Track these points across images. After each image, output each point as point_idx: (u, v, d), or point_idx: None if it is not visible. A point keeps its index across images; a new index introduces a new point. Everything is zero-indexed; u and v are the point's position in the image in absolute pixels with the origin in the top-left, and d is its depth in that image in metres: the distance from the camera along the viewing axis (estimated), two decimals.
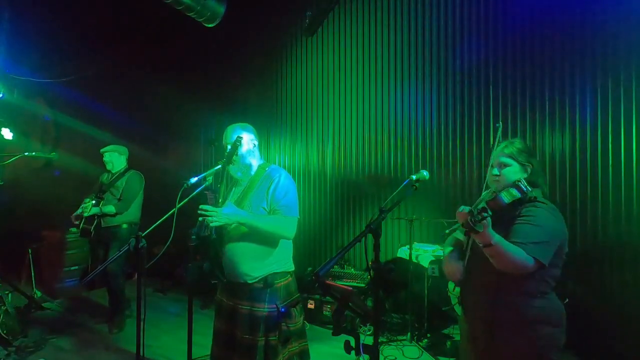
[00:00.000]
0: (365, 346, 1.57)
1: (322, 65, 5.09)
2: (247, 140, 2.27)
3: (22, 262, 5.12)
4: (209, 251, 2.23)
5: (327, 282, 1.69)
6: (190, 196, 2.16)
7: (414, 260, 3.83)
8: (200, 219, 2.04)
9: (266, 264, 2.17)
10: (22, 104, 6.69)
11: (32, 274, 4.89)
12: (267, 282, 2.15)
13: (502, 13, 3.90)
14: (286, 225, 2.17)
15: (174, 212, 2.12)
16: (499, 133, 1.79)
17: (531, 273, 1.65)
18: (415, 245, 3.93)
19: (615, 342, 3.25)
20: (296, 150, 5.31)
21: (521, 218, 1.71)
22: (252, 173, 2.28)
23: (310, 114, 5.19)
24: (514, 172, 1.81)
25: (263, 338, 2.11)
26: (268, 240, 2.18)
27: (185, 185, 2.13)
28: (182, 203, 2.11)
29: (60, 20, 5.73)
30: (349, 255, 4.60)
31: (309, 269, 4.75)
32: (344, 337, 1.59)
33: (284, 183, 2.20)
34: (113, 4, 5.61)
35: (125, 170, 4.27)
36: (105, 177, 4.31)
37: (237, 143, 2.18)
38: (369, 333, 3.71)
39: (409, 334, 3.71)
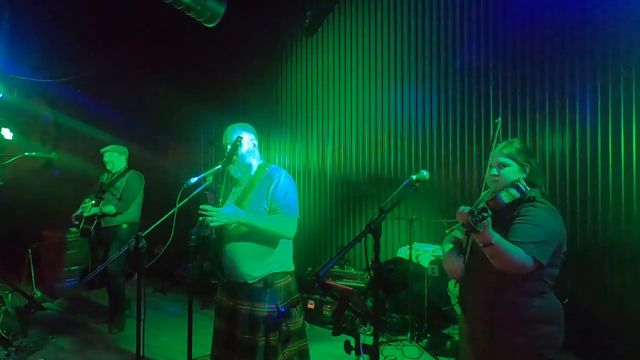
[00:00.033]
0: (365, 346, 1.57)
1: (322, 65, 5.09)
2: (247, 140, 2.27)
3: (22, 262, 5.12)
4: (209, 251, 2.23)
5: (327, 282, 1.69)
6: (190, 196, 2.17)
7: (414, 260, 3.83)
8: (200, 218, 2.04)
9: (266, 264, 2.17)
10: (22, 104, 6.68)
11: (32, 274, 4.88)
12: (267, 282, 2.15)
13: (502, 13, 3.91)
14: (286, 225, 2.17)
15: (174, 212, 2.12)
16: (499, 128, 1.79)
17: (530, 273, 1.66)
18: (415, 245, 3.93)
19: (615, 342, 3.24)
20: (296, 150, 5.31)
21: (520, 218, 1.71)
22: (252, 173, 2.28)
23: (310, 114, 5.19)
24: (513, 172, 1.82)
25: (263, 338, 2.11)
26: (268, 240, 2.18)
27: (185, 185, 2.13)
28: (182, 203, 2.11)
29: (60, 20, 5.72)
30: (349, 255, 4.60)
31: (309, 269, 4.74)
32: (344, 337, 1.59)
33: (284, 183, 2.20)
34: (113, 4, 5.61)
35: (125, 170, 4.27)
36: (105, 177, 4.31)
37: (237, 143, 2.18)
38: (369, 333, 3.71)
39: (409, 334, 3.71)
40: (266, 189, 2.18)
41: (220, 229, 2.16)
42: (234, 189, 2.32)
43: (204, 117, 5.98)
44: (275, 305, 2.13)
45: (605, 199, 3.41)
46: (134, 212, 4.21)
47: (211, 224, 2.04)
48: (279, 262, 2.22)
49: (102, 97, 6.37)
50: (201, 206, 2.04)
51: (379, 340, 2.20)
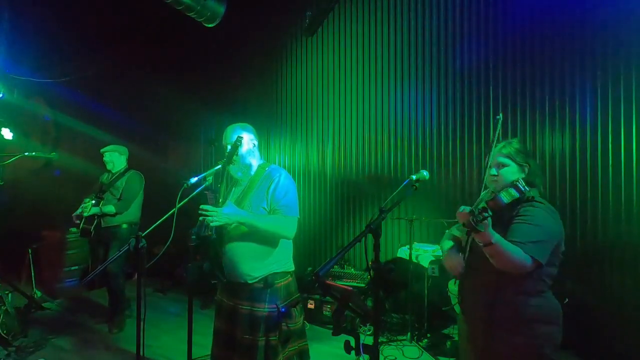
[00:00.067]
0: (365, 346, 1.57)
1: (322, 65, 5.09)
2: (247, 140, 2.27)
3: (22, 262, 5.12)
4: (209, 251, 2.23)
5: (327, 282, 1.69)
6: (190, 196, 2.17)
7: (414, 260, 3.83)
8: (200, 218, 2.04)
9: (266, 264, 2.17)
10: (22, 104, 6.68)
11: (32, 274, 4.88)
12: (267, 282, 2.15)
13: (502, 13, 3.91)
14: (286, 225, 2.17)
15: (174, 212, 2.12)
16: (499, 125, 1.78)
17: (529, 272, 1.67)
18: (415, 245, 3.93)
19: (615, 342, 3.25)
20: (296, 150, 5.31)
21: (519, 218, 1.72)
22: (252, 173, 2.28)
23: (310, 114, 5.19)
24: (512, 172, 1.83)
25: (263, 338, 2.11)
26: (268, 240, 2.18)
27: (185, 185, 2.13)
28: (182, 203, 2.11)
29: (60, 20, 5.72)
30: (349, 255, 4.60)
31: (309, 269, 4.75)
32: (344, 337, 1.59)
33: (284, 183, 2.20)
34: (113, 4, 5.61)
35: (125, 170, 4.27)
36: (105, 177, 4.31)
37: (237, 143, 2.18)
38: (369, 333, 3.71)
39: (409, 334, 3.71)
40: (266, 189, 2.18)
41: (220, 229, 2.15)
42: (234, 189, 2.32)
43: (204, 117, 5.98)
44: (275, 305, 2.13)
45: (605, 199, 3.41)
46: (134, 212, 4.21)
47: (211, 224, 2.04)
48: (279, 262, 2.22)
49: (102, 97, 6.37)
50: (201, 206, 2.04)
51: (379, 340, 2.20)
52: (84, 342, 3.83)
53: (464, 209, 1.66)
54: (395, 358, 3.44)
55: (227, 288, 2.25)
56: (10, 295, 3.81)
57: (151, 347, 3.59)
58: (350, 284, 4.12)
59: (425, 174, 1.94)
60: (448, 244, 2.02)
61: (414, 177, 1.91)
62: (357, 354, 1.56)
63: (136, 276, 3.93)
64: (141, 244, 2.08)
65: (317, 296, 4.15)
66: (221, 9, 4.86)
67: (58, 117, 7.07)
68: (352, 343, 1.57)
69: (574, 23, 3.55)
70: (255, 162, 2.30)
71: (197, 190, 2.18)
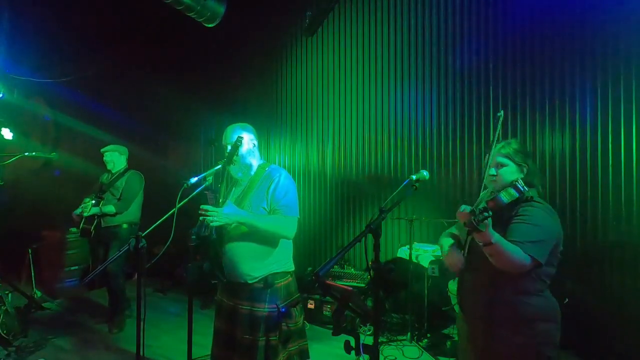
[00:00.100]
0: (365, 346, 1.57)
1: (322, 65, 5.09)
2: (247, 140, 2.27)
3: (22, 262, 5.12)
4: (209, 251, 2.23)
5: (327, 282, 1.69)
6: (190, 196, 2.16)
7: (414, 260, 3.83)
8: (200, 218, 2.04)
9: (266, 264, 2.17)
10: (22, 104, 6.69)
11: (32, 274, 4.89)
12: (267, 282, 2.15)
13: (502, 13, 3.91)
14: (286, 224, 2.17)
15: (174, 212, 2.12)
16: (500, 122, 1.79)
17: (528, 271, 1.68)
18: (415, 245, 3.93)
19: (615, 342, 3.25)
20: (296, 150, 5.31)
21: (518, 217, 1.73)
22: (252, 173, 2.28)
23: (310, 114, 5.19)
24: (511, 172, 1.84)
25: (263, 338, 2.11)
26: (268, 240, 2.18)
27: (185, 185, 2.13)
28: (182, 203, 2.11)
29: (60, 20, 5.73)
30: (349, 255, 4.60)
31: (309, 269, 4.75)
32: (344, 337, 1.59)
33: (284, 183, 2.20)
34: (113, 4, 5.61)
35: (125, 170, 4.27)
36: (105, 177, 4.31)
37: (237, 143, 2.18)
38: (369, 333, 3.71)
39: (409, 334, 3.71)
40: (266, 189, 2.18)
41: (220, 229, 2.16)
42: (234, 189, 2.32)
43: (204, 117, 5.98)
44: (275, 305, 2.13)
45: (605, 199, 3.41)
46: (134, 211, 4.21)
47: (211, 224, 2.04)
48: (279, 262, 2.22)
49: (102, 97, 6.37)
50: (201, 206, 2.04)
51: (379, 340, 2.20)
52: (84, 342, 3.83)
53: (465, 208, 1.66)
54: (395, 358, 3.44)
55: (227, 288, 2.25)
56: (10, 295, 3.81)
57: (151, 347, 3.59)
58: (350, 284, 4.12)
59: (425, 174, 1.94)
60: (448, 241, 2.02)
61: (414, 177, 1.92)
62: (357, 354, 1.56)
63: (136, 276, 3.93)
64: (141, 244, 2.08)
65: (317, 296, 4.15)
66: (221, 9, 4.86)
67: (58, 117, 7.08)
68: (352, 343, 1.57)
69: (574, 23, 3.55)
70: (255, 162, 2.30)
71: (197, 190, 2.18)
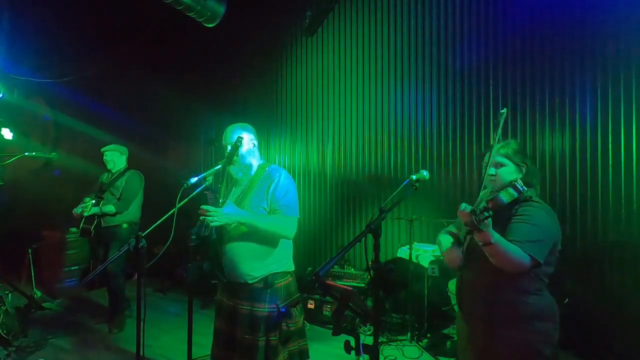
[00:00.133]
0: (365, 346, 1.57)
1: (322, 65, 5.09)
2: (247, 140, 2.27)
3: (22, 262, 5.12)
4: (209, 251, 2.22)
5: (327, 282, 1.69)
6: (190, 196, 2.16)
7: (414, 260, 3.83)
8: (200, 218, 2.04)
9: (266, 264, 2.17)
10: (22, 104, 6.69)
11: (32, 274, 4.89)
12: (267, 282, 2.15)
13: (502, 13, 3.91)
14: (286, 224, 2.17)
15: (174, 212, 2.12)
16: (502, 119, 1.78)
17: (527, 271, 1.69)
18: (415, 245, 3.93)
19: (615, 342, 3.25)
20: (296, 150, 5.31)
21: (517, 217, 1.74)
22: (252, 173, 2.28)
23: (310, 114, 5.19)
24: (510, 172, 1.85)
25: (263, 338, 2.11)
26: (268, 240, 2.18)
27: (185, 185, 2.13)
28: (182, 203, 2.11)
29: (60, 20, 5.73)
30: (349, 255, 4.60)
31: (309, 269, 4.75)
32: (344, 337, 1.59)
33: (284, 183, 2.20)
34: (113, 4, 5.61)
35: (125, 170, 4.28)
36: (105, 177, 4.31)
37: (237, 143, 2.18)
38: (369, 333, 3.71)
39: (409, 334, 3.71)
40: (266, 189, 2.18)
41: (220, 229, 2.16)
42: (234, 189, 2.32)
43: (204, 117, 5.98)
44: (275, 305, 2.13)
45: (605, 199, 3.41)
46: (134, 211, 4.21)
47: (211, 224, 2.04)
48: (279, 262, 2.22)
49: (102, 97, 6.37)
50: (201, 206, 2.04)
51: (379, 340, 2.20)
52: (84, 342, 3.83)
53: (465, 207, 1.66)
54: (395, 358, 3.44)
55: (227, 288, 2.25)
56: (10, 295, 3.81)
57: (151, 347, 3.59)
58: (350, 284, 4.12)
59: (425, 174, 1.95)
60: (447, 238, 2.03)
61: (414, 177, 1.92)
62: (357, 354, 1.56)
63: (136, 276, 3.93)
64: (141, 244, 2.07)
65: (317, 296, 4.15)
66: (221, 9, 4.86)
67: (58, 117, 7.08)
68: (352, 343, 1.57)
69: (574, 23, 3.55)
70: (255, 162, 2.30)
71: (197, 190, 2.18)
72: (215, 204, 2.14)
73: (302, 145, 5.25)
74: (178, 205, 2.10)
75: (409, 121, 4.48)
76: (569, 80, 3.59)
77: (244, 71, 5.65)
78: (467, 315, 1.92)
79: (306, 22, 4.97)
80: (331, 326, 3.77)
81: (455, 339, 3.60)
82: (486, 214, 1.53)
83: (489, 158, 1.87)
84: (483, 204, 1.57)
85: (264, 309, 2.13)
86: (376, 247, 1.65)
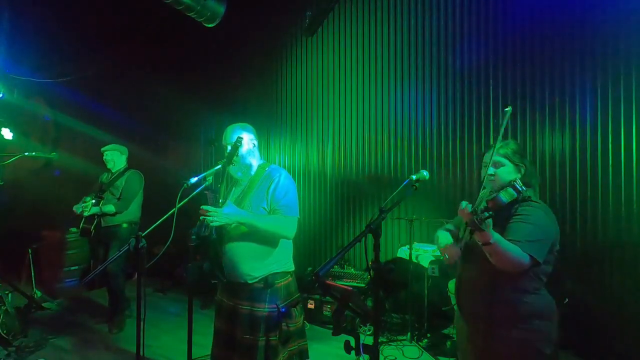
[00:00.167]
0: (365, 346, 1.57)
1: (322, 65, 5.09)
2: (247, 140, 2.27)
3: (22, 262, 5.12)
4: (209, 251, 2.23)
5: (327, 282, 1.69)
6: (190, 196, 2.16)
7: (414, 260, 3.82)
8: (200, 218, 2.04)
9: (266, 264, 2.17)
10: (22, 104, 6.68)
11: (32, 274, 4.89)
12: (267, 282, 2.15)
13: (502, 13, 3.91)
14: (286, 224, 2.17)
15: (174, 212, 2.12)
16: (507, 117, 1.78)
17: (526, 270, 1.70)
18: (415, 245, 3.93)
19: (615, 342, 3.25)
20: (296, 150, 5.31)
21: (517, 217, 1.75)
22: (252, 173, 2.28)
23: (310, 114, 5.19)
24: (508, 172, 1.86)
25: (263, 338, 2.11)
26: (268, 240, 2.18)
27: (185, 185, 2.13)
28: (182, 203, 2.11)
29: (60, 20, 5.73)
30: (349, 255, 4.60)
31: (309, 269, 4.75)
32: (344, 337, 1.59)
33: (284, 183, 2.20)
34: (113, 4, 5.61)
35: (125, 170, 4.28)
36: (105, 177, 4.32)
37: (237, 143, 2.18)
38: (369, 333, 3.71)
39: (409, 334, 3.71)
40: (266, 189, 2.18)
41: (220, 229, 2.16)
42: (233, 189, 2.32)
43: (204, 117, 5.98)
44: (275, 305, 2.13)
45: (605, 199, 3.40)
46: (134, 211, 4.21)
47: (211, 224, 2.04)
48: (279, 262, 2.22)
49: (102, 97, 6.37)
50: (201, 206, 2.04)
51: (379, 340, 2.20)
52: (84, 342, 3.83)
53: (466, 205, 1.67)
54: (395, 358, 3.44)
55: (227, 288, 2.25)
56: (10, 295, 3.81)
57: (151, 347, 3.59)
58: (350, 284, 4.12)
59: (425, 174, 1.95)
60: (446, 234, 2.03)
61: (414, 177, 1.93)
62: (357, 354, 1.56)
63: (136, 276, 3.94)
64: (141, 244, 2.07)
65: (317, 296, 4.15)
66: (221, 9, 4.86)
67: (58, 117, 7.08)
68: (352, 343, 1.57)
69: (574, 23, 3.55)
70: (255, 162, 2.30)
71: (197, 190, 2.18)
72: (215, 204, 2.14)
73: (302, 145, 5.25)
74: (178, 205, 2.10)
75: (409, 121, 4.48)
76: (569, 80, 3.59)
77: (244, 71, 5.65)
78: (467, 315, 1.92)
79: (306, 22, 4.97)
80: (331, 326, 3.78)
81: (455, 339, 3.60)
82: (487, 214, 1.53)
83: (489, 158, 1.88)
84: (483, 204, 1.57)
85: (264, 309, 2.13)
86: (376, 247, 1.66)
